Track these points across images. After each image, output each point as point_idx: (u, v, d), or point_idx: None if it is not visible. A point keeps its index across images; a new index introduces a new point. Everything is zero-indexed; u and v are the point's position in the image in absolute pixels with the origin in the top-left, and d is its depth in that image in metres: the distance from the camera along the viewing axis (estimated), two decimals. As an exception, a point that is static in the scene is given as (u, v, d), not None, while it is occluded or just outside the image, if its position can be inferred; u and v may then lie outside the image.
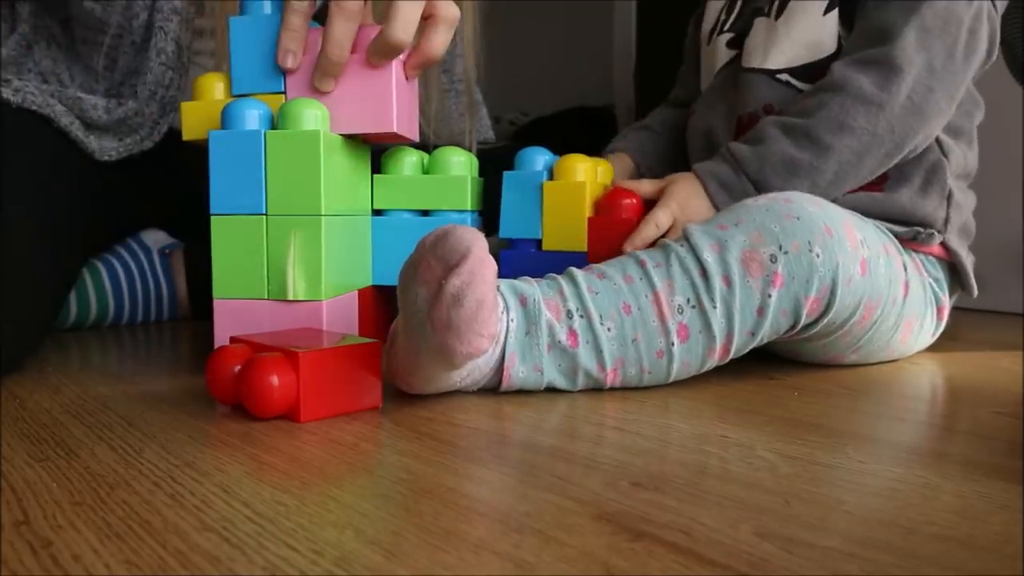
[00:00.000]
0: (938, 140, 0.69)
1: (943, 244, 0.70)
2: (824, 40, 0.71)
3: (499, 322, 0.52)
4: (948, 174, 0.69)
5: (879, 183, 0.69)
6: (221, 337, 0.60)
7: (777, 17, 0.73)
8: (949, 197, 0.69)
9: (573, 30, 2.23)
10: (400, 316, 0.52)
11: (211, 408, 0.54)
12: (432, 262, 0.48)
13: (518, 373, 0.54)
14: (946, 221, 0.69)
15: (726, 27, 0.80)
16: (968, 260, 0.71)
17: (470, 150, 0.84)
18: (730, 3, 0.81)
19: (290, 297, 0.59)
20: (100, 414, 0.52)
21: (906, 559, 0.31)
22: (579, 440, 0.47)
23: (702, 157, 0.75)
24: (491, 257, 0.48)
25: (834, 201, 0.66)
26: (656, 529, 0.34)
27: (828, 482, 0.40)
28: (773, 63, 0.73)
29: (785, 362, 0.67)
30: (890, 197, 0.68)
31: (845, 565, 0.31)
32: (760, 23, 0.75)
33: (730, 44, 0.79)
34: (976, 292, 0.72)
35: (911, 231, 0.67)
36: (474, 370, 0.54)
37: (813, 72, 0.71)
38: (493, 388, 0.56)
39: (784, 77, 0.72)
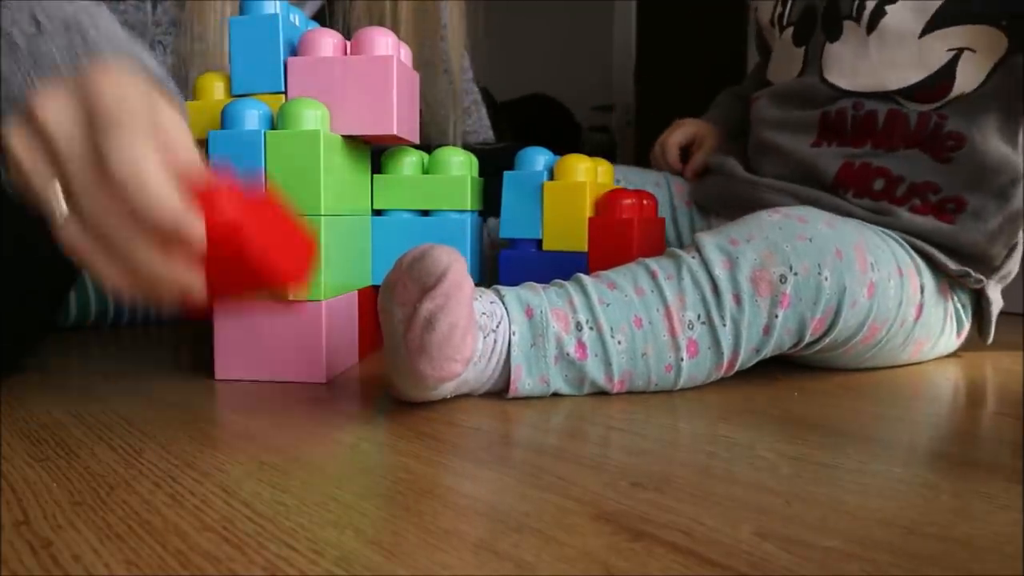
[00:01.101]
0: None
1: (980, 288, 0.69)
2: (928, 61, 0.67)
3: (476, 343, 0.51)
4: (1022, 225, 0.68)
5: (951, 214, 0.66)
6: (221, 337, 0.60)
7: (869, 31, 0.69)
8: (1013, 248, 0.68)
9: (573, 30, 2.23)
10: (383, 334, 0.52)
11: (211, 408, 0.54)
12: (408, 283, 0.48)
13: (524, 385, 0.54)
14: (997, 269, 0.68)
15: (785, 20, 0.76)
16: (996, 307, 0.70)
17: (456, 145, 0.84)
18: None
19: (290, 297, 0.59)
20: (100, 414, 0.52)
21: (906, 559, 0.31)
22: (580, 440, 0.47)
23: (761, 155, 0.75)
24: (469, 279, 0.48)
25: (892, 218, 0.66)
26: (656, 529, 0.34)
27: (828, 482, 0.40)
28: (866, 85, 0.69)
29: (786, 363, 0.67)
30: (957, 232, 0.66)
31: (845, 565, 0.31)
32: (850, 31, 0.70)
33: (796, 41, 0.75)
34: (991, 340, 0.71)
35: (961, 270, 0.66)
36: (463, 384, 0.53)
37: (916, 93, 0.68)
38: (497, 393, 0.56)
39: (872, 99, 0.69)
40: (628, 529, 0.34)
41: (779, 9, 0.78)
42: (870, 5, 0.69)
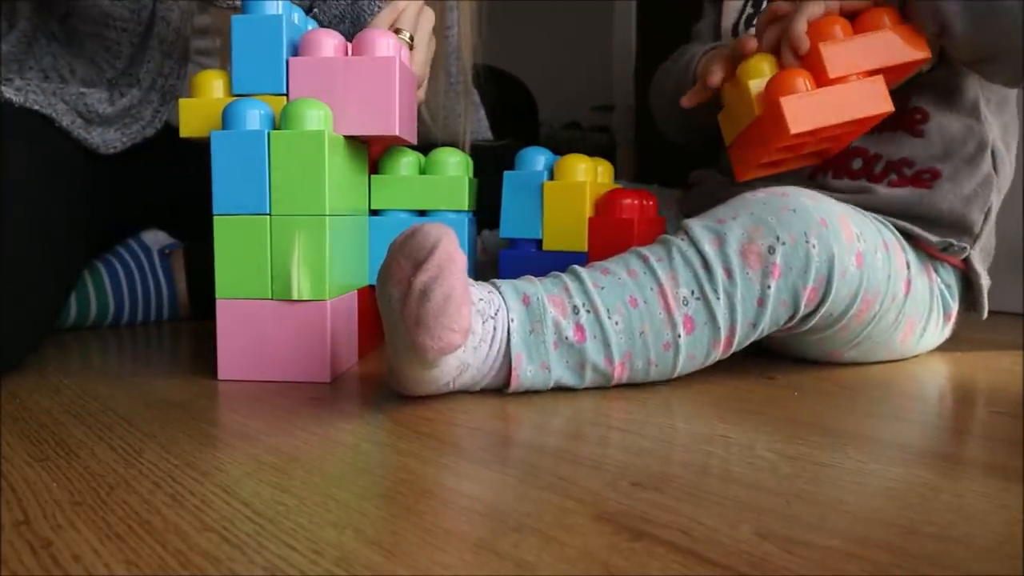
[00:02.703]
0: (993, 151, 0.68)
1: (965, 260, 0.69)
2: None
3: (472, 316, 0.51)
4: (994, 188, 0.68)
5: (930, 180, 0.68)
6: (224, 337, 0.60)
7: None
8: (988, 212, 0.69)
9: (573, 30, 2.23)
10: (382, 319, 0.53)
11: (211, 408, 0.54)
12: (402, 261, 0.49)
13: (526, 373, 0.54)
14: (977, 237, 0.68)
15: (754, 22, 0.76)
16: (985, 281, 0.70)
17: (464, 149, 0.84)
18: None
19: (295, 297, 0.59)
20: (100, 414, 0.52)
21: (906, 559, 0.31)
22: (579, 440, 0.47)
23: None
24: (460, 251, 0.48)
25: (871, 195, 0.66)
26: (656, 529, 0.34)
27: (828, 482, 0.40)
28: None
29: (785, 362, 0.67)
30: (935, 197, 0.67)
31: (845, 565, 0.31)
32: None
33: None
34: (986, 314, 0.71)
35: (943, 242, 0.67)
36: (464, 370, 0.53)
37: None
38: (498, 388, 0.56)
39: None
40: (628, 529, 0.34)
41: (749, 10, 0.78)
42: None
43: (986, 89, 0.69)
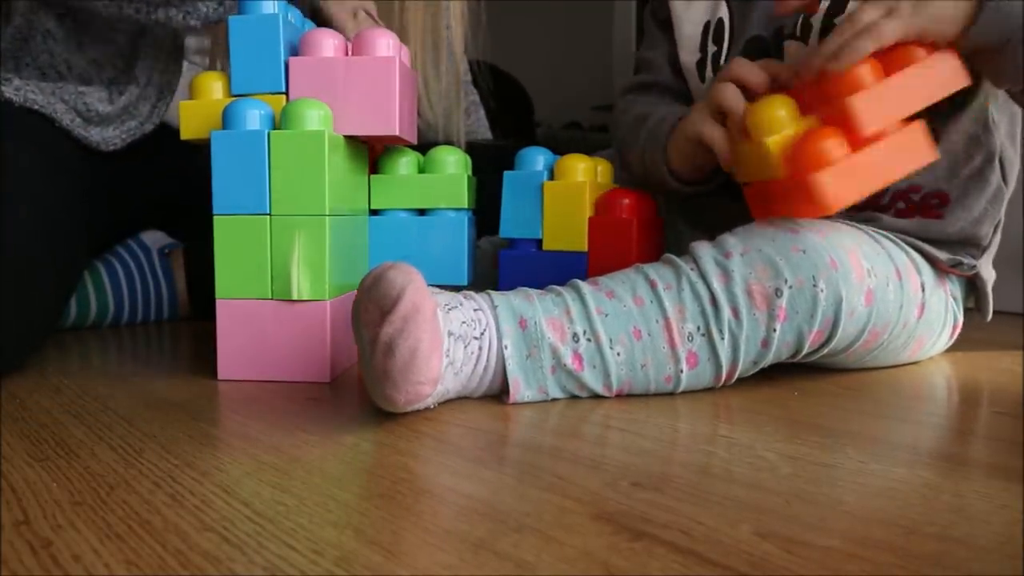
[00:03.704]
0: (1001, 159, 0.66)
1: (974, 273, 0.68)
2: None
3: (456, 354, 0.51)
4: (1004, 201, 0.67)
5: (939, 208, 0.66)
6: (224, 337, 0.60)
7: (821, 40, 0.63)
8: (997, 225, 0.68)
9: (573, 30, 2.24)
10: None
11: (211, 408, 0.54)
12: (369, 306, 0.48)
13: (524, 396, 0.54)
14: (986, 248, 0.68)
15: (723, 60, 0.72)
16: (990, 283, 0.69)
17: (460, 146, 0.84)
18: (716, 32, 0.73)
19: (295, 297, 0.59)
20: (100, 414, 0.52)
21: (906, 559, 0.31)
22: (579, 440, 0.47)
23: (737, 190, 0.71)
24: (428, 298, 0.47)
25: (877, 222, 0.65)
26: (656, 529, 0.34)
27: (828, 482, 0.40)
28: None
29: (786, 363, 0.67)
30: (945, 224, 0.66)
31: (845, 565, 0.31)
32: (793, 49, 0.67)
33: None
34: (991, 316, 0.71)
35: (953, 259, 0.66)
36: (445, 394, 0.53)
37: None
38: (495, 396, 0.56)
39: None
40: (628, 529, 0.34)
41: (712, 48, 0.73)
42: (816, 24, 0.66)
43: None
